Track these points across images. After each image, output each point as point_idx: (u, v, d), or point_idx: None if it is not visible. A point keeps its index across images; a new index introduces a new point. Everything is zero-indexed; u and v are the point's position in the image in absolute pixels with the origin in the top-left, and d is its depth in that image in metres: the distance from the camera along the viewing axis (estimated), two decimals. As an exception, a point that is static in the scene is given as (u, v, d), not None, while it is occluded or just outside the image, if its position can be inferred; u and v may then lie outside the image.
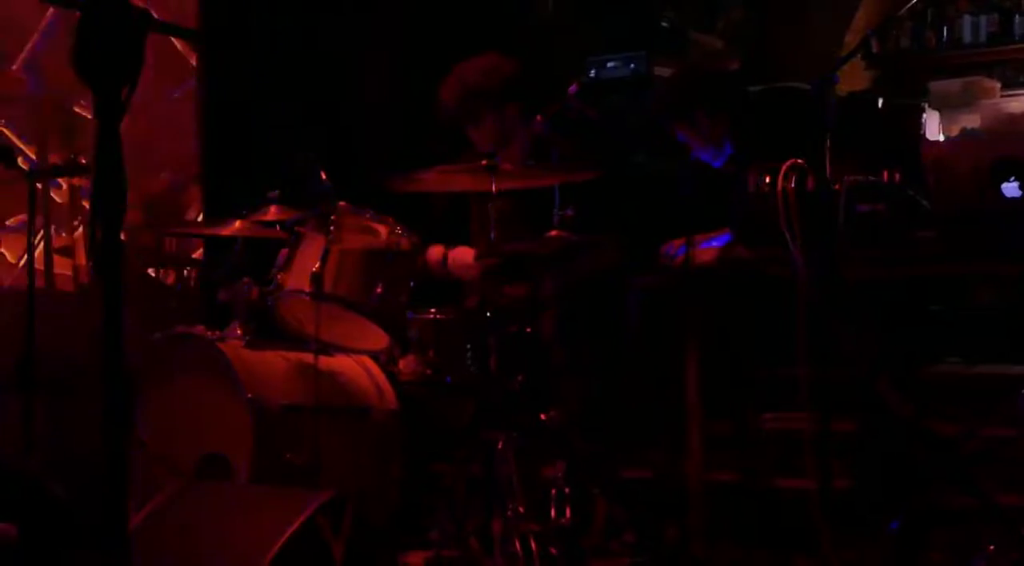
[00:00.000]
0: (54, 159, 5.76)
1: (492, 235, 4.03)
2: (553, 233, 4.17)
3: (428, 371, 4.37)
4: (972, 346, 4.50)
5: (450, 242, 4.77)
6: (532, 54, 5.16)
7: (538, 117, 4.66)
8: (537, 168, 4.26)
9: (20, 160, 5.40)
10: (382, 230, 4.26)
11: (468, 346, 4.30)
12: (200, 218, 6.26)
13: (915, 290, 4.20)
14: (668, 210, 4.62)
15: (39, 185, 5.17)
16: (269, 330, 4.35)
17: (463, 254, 4.70)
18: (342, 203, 4.20)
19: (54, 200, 6.00)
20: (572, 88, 4.79)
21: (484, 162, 3.99)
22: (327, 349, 4.29)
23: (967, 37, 6.44)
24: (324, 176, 4.27)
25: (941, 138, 5.24)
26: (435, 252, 4.75)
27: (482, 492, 3.94)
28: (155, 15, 1.99)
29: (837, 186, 3.54)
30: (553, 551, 3.80)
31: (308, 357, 4.16)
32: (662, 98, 4.99)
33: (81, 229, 5.84)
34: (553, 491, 3.92)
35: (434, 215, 4.89)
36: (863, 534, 3.77)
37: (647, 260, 4.55)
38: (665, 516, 4.20)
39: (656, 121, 4.93)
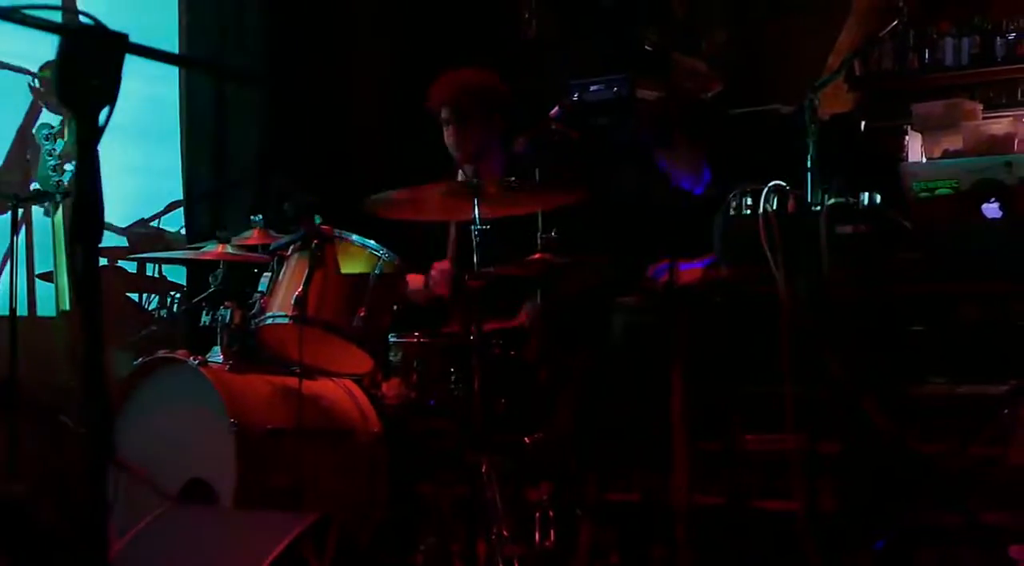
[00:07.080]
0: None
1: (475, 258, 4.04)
2: (537, 255, 4.18)
3: (412, 394, 4.37)
4: (956, 366, 4.50)
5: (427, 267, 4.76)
6: (516, 76, 5.17)
7: (519, 139, 4.68)
8: (520, 191, 4.26)
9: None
10: (365, 254, 4.26)
11: (452, 369, 4.30)
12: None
13: (898, 310, 4.21)
14: (651, 231, 4.63)
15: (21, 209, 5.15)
16: (252, 354, 4.34)
17: (415, 281, 4.69)
18: (325, 227, 4.20)
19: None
20: (554, 111, 4.81)
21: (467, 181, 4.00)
22: (310, 373, 4.28)
23: (949, 59, 6.47)
24: (309, 201, 4.26)
25: (923, 160, 5.26)
26: (415, 280, 4.74)
27: (467, 515, 3.93)
28: (134, 39, 1.99)
29: (819, 208, 3.55)
30: (538, 574, 3.80)
31: (291, 381, 4.15)
32: (643, 124, 5.03)
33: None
34: (537, 514, 3.92)
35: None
36: (849, 555, 3.77)
37: (631, 281, 4.55)
38: (651, 538, 4.19)
39: (639, 144, 4.95)
